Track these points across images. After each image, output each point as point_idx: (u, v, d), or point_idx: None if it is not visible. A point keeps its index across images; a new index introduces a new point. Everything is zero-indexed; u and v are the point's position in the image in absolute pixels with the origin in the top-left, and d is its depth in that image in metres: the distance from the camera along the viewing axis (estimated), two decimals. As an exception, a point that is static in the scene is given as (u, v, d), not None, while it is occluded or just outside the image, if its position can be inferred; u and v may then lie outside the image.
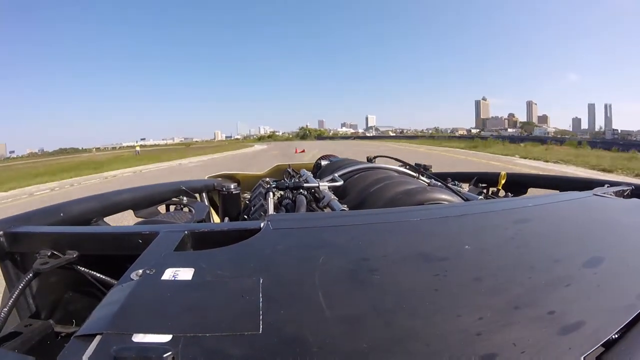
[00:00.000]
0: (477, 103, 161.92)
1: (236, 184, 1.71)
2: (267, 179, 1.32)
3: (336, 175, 1.23)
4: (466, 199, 1.02)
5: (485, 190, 1.61)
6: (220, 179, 1.85)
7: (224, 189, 1.65)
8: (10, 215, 0.71)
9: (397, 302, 0.37)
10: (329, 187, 1.15)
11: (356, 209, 1.04)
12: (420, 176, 1.35)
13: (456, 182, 1.41)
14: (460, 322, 0.34)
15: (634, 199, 0.93)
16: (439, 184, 1.21)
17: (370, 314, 0.35)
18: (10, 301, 0.55)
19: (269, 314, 0.34)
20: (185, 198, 1.39)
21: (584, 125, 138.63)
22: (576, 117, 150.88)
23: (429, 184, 1.24)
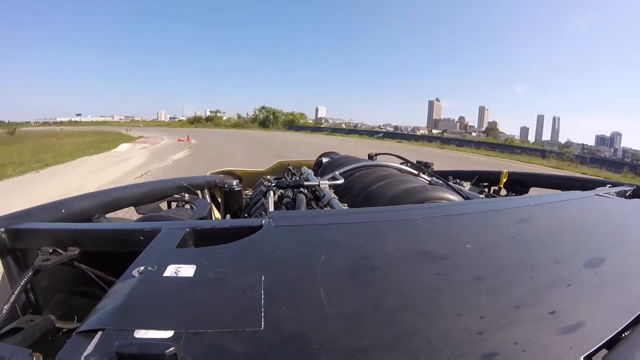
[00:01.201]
0: (431, 103, 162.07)
1: (238, 180, 1.71)
2: (268, 177, 1.32)
3: (337, 173, 1.23)
4: (467, 198, 1.02)
5: (486, 189, 1.60)
6: (222, 175, 1.86)
7: (226, 185, 1.65)
8: (10, 212, 0.71)
9: (398, 300, 0.37)
10: (330, 186, 1.15)
11: (357, 207, 1.03)
12: (421, 174, 1.35)
13: (457, 180, 1.41)
14: (461, 321, 0.34)
15: (636, 200, 0.93)
16: (440, 182, 1.21)
17: (372, 312, 0.35)
18: (12, 297, 0.55)
19: (271, 311, 0.34)
20: (186, 195, 1.39)
21: (531, 134, 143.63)
22: (524, 126, 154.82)
23: (430, 182, 1.24)
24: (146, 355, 0.26)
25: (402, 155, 1.47)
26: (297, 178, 1.36)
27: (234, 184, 1.66)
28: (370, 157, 1.71)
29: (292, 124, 50.17)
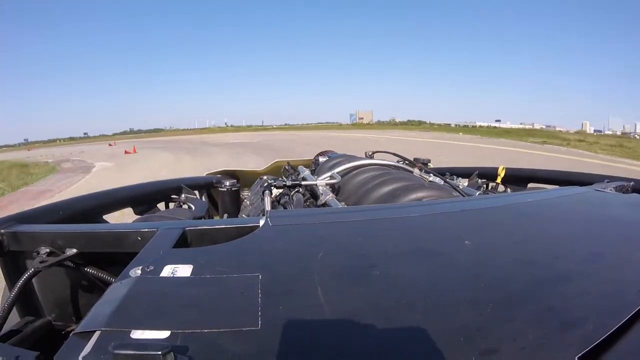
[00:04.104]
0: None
1: (235, 180, 1.71)
2: (266, 177, 1.32)
3: (334, 172, 1.23)
4: (465, 194, 1.03)
5: (484, 185, 1.61)
6: (219, 175, 1.85)
7: (224, 185, 1.65)
8: (8, 214, 0.71)
9: (396, 298, 0.37)
10: (327, 185, 1.15)
11: (354, 205, 1.04)
12: (418, 171, 1.35)
13: (455, 177, 1.41)
14: (459, 318, 0.34)
15: (634, 194, 0.93)
16: (438, 179, 1.21)
17: (370, 310, 0.35)
18: (10, 299, 0.55)
19: (268, 310, 0.34)
20: (184, 195, 1.39)
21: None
22: None
23: (427, 180, 1.24)
24: (143, 355, 0.26)
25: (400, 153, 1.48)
26: (295, 177, 1.36)
27: (232, 184, 1.66)
28: (368, 155, 1.71)
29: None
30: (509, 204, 0.76)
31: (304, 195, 1.14)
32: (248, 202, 1.59)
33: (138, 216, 1.19)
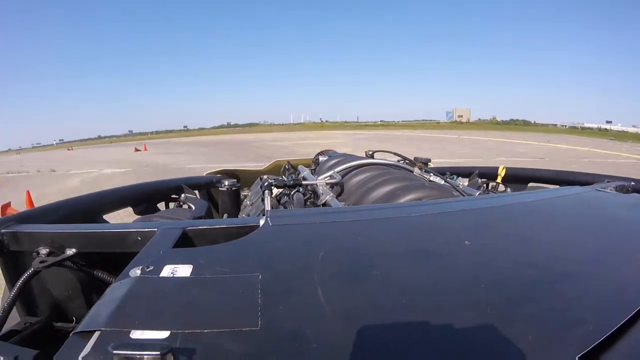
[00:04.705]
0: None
1: (235, 180, 1.71)
2: (266, 176, 1.32)
3: (334, 172, 1.23)
4: (465, 194, 1.02)
5: (485, 185, 1.60)
6: (219, 175, 1.85)
7: (224, 185, 1.65)
8: (9, 215, 0.71)
9: (395, 298, 0.37)
10: (327, 184, 1.15)
11: (354, 205, 1.04)
12: (419, 171, 1.35)
13: (455, 176, 1.41)
14: (459, 318, 0.34)
15: (635, 194, 0.93)
16: (438, 179, 1.21)
17: (369, 310, 0.35)
18: (10, 299, 0.55)
19: (268, 310, 0.34)
20: (184, 195, 1.39)
21: None
22: None
23: (427, 179, 1.24)
24: (142, 355, 0.26)
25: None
26: (295, 177, 1.36)
27: (232, 183, 1.66)
28: (368, 154, 1.71)
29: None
30: (509, 204, 0.76)
31: (304, 194, 1.14)
32: (248, 202, 1.59)
33: (138, 216, 1.19)
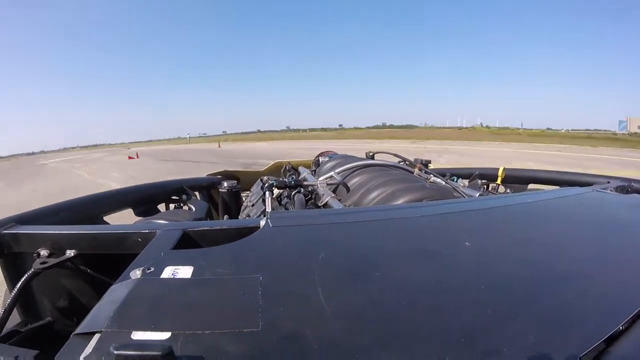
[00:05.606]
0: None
1: (236, 181, 1.71)
2: (266, 177, 1.32)
3: (334, 173, 1.23)
4: (465, 195, 1.02)
5: (485, 187, 1.60)
6: (220, 176, 1.85)
7: (224, 186, 1.65)
8: (9, 216, 0.71)
9: (396, 299, 0.37)
10: (327, 185, 1.15)
11: (355, 206, 1.04)
12: (419, 172, 1.35)
13: (455, 178, 1.41)
14: (461, 318, 0.34)
15: (635, 195, 0.93)
16: (439, 180, 1.21)
17: (370, 311, 0.35)
18: (11, 300, 0.55)
19: (268, 311, 0.34)
20: (185, 196, 1.39)
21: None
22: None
23: (428, 180, 1.24)
24: (143, 356, 0.26)
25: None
26: (295, 178, 1.36)
27: (232, 185, 1.66)
28: (368, 156, 1.71)
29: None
30: (510, 205, 0.76)
31: (304, 195, 1.14)
32: (249, 203, 1.59)
33: (139, 217, 1.19)
